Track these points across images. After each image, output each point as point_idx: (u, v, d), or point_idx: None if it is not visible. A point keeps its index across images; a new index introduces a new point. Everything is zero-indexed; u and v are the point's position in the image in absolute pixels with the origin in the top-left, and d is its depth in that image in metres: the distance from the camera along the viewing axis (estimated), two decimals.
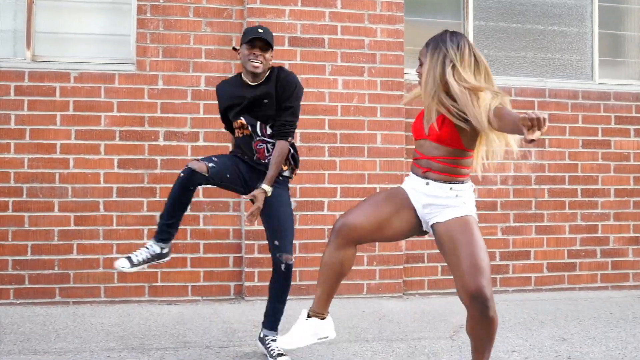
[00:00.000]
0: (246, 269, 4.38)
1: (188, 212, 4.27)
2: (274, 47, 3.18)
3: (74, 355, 3.13)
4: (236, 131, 3.13)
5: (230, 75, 4.45)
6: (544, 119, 1.91)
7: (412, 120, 4.60)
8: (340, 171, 4.53)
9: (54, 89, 4.28)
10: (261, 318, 3.16)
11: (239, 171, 3.04)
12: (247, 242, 4.37)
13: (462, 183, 2.43)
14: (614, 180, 5.07)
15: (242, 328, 3.67)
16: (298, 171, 4.36)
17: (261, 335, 3.13)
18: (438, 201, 2.41)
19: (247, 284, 4.38)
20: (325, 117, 4.52)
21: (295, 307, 3.06)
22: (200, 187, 3.34)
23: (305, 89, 4.46)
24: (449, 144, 2.40)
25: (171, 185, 4.25)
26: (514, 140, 2.42)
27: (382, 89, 4.60)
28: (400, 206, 2.48)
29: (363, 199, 2.73)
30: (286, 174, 3.11)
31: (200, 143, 4.41)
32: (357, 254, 4.50)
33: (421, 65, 2.51)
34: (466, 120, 2.33)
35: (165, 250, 2.96)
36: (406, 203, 2.49)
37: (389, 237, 2.57)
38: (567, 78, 5.14)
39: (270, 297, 3.07)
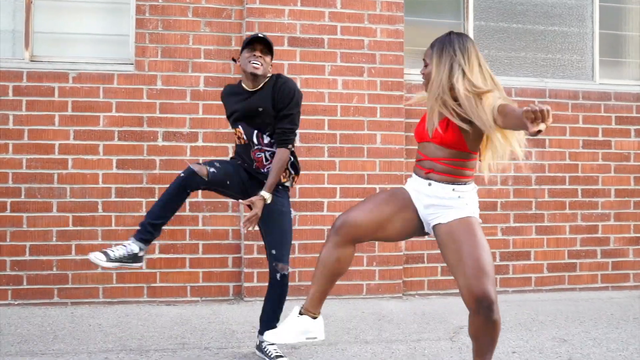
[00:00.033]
0: (245, 270, 4.37)
1: (187, 213, 4.31)
2: (274, 48, 3.16)
3: (71, 356, 3.11)
4: (236, 139, 3.13)
5: (229, 75, 4.48)
6: (548, 110, 1.90)
7: (412, 120, 4.64)
8: (340, 171, 4.51)
9: (52, 89, 4.27)
10: None
11: (240, 179, 3.02)
12: (246, 242, 4.36)
13: (464, 184, 2.42)
14: (614, 180, 5.06)
15: (241, 329, 3.65)
16: None
17: (258, 342, 3.13)
18: (440, 202, 2.39)
19: (246, 284, 4.36)
20: (324, 118, 4.50)
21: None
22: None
23: (304, 89, 4.47)
24: (452, 146, 2.38)
25: None
26: (518, 144, 2.39)
27: (381, 89, 4.59)
28: (402, 206, 2.47)
29: (363, 199, 2.71)
30: (287, 184, 3.09)
31: (200, 143, 4.40)
32: (356, 254, 4.49)
33: (426, 66, 2.50)
34: (469, 122, 2.32)
35: (141, 254, 2.86)
36: (408, 203, 2.47)
37: (389, 237, 2.56)
38: (567, 78, 5.13)
39: (265, 304, 3.07)
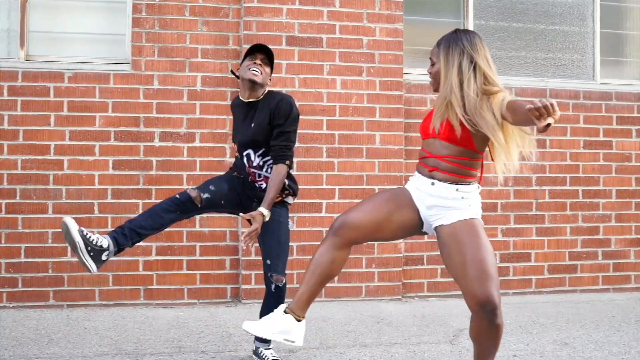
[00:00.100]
0: (243, 272, 4.32)
1: None
2: (274, 47, 3.12)
3: None
4: (236, 150, 3.13)
5: (227, 75, 4.44)
6: (552, 105, 1.86)
7: (411, 120, 4.59)
8: (339, 172, 4.47)
9: (48, 89, 4.22)
10: None
11: (236, 193, 2.99)
12: (244, 244, 4.31)
13: (468, 184, 2.37)
14: (615, 181, 5.02)
15: (239, 332, 3.60)
16: (297, 172, 4.32)
17: (254, 347, 3.09)
18: (443, 202, 2.35)
19: (244, 286, 4.32)
20: (323, 118, 4.46)
21: None
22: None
23: (303, 89, 4.44)
24: (460, 143, 2.33)
25: (167, 187, 4.27)
26: (516, 148, 2.35)
27: (381, 89, 4.54)
28: (402, 206, 2.42)
29: (361, 200, 2.67)
30: (289, 200, 3.06)
31: (197, 144, 4.35)
32: (355, 255, 4.45)
33: (433, 65, 2.45)
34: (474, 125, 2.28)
35: (104, 255, 2.66)
36: (408, 203, 2.42)
37: (387, 237, 2.51)
38: (568, 78, 5.09)
39: (262, 311, 3.02)
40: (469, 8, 4.89)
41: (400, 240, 4.49)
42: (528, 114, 1.93)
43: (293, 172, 3.22)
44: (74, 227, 2.62)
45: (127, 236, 2.73)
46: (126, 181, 4.27)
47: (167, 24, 4.35)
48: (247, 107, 3.00)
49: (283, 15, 4.41)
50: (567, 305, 4.49)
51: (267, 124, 2.90)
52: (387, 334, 3.65)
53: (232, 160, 4.23)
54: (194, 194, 2.86)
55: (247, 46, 4.26)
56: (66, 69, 4.25)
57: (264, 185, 2.97)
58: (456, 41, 2.37)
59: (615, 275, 4.99)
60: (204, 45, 4.39)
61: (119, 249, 2.72)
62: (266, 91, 3.00)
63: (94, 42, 4.43)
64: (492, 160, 2.43)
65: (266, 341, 3.02)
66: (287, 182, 2.97)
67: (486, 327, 2.23)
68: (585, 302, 4.61)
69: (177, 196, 2.87)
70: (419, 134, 2.61)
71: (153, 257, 4.27)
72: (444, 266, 4.55)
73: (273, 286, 2.91)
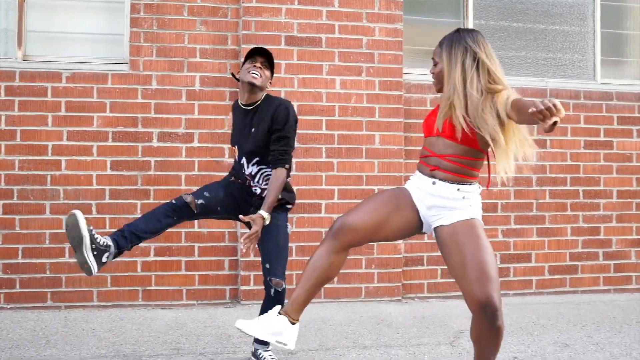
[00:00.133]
0: (242, 273, 4.30)
1: None
2: (274, 49, 3.10)
3: None
4: (234, 154, 3.11)
5: (225, 75, 4.41)
6: (554, 105, 1.85)
7: (411, 120, 4.57)
8: (338, 172, 4.44)
9: (45, 89, 4.20)
10: None
11: (233, 197, 2.99)
12: (243, 246, 4.28)
13: (469, 184, 2.35)
14: (616, 181, 5.00)
15: (237, 334, 3.58)
16: (296, 172, 4.30)
17: (253, 349, 3.07)
18: (444, 203, 2.33)
19: (242, 287, 4.30)
20: (322, 118, 4.44)
21: None
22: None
23: (302, 89, 4.42)
24: (463, 141, 2.31)
25: (165, 187, 4.25)
26: (515, 151, 2.33)
27: (380, 89, 4.52)
28: (401, 206, 2.40)
29: (361, 200, 2.64)
30: (289, 206, 3.05)
31: (195, 144, 4.33)
32: (355, 256, 4.43)
33: (435, 65, 2.43)
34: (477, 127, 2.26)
35: (104, 258, 2.65)
36: (408, 203, 2.40)
37: (387, 238, 2.48)
38: (568, 78, 5.06)
39: (261, 313, 2.99)
40: (469, 8, 4.87)
41: (400, 241, 4.46)
42: (532, 117, 1.91)
43: (293, 172, 3.21)
44: (83, 221, 2.61)
45: (127, 239, 2.75)
46: (124, 182, 4.24)
47: (166, 24, 4.33)
48: (246, 113, 2.98)
49: (282, 15, 4.39)
50: (568, 307, 4.47)
51: (266, 131, 2.89)
52: (387, 335, 3.62)
53: (231, 161, 4.21)
54: (188, 199, 2.88)
55: (246, 46, 4.25)
56: (64, 69, 4.23)
57: (258, 191, 2.98)
58: (459, 40, 2.35)
59: (616, 276, 4.97)
60: (203, 45, 4.37)
61: (118, 251, 2.72)
62: (265, 95, 2.98)
63: (91, 42, 4.41)
64: (494, 158, 2.41)
65: (265, 343, 2.99)
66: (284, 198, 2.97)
67: (486, 328, 2.21)
68: (586, 303, 4.59)
69: (174, 201, 2.89)
70: (419, 134, 2.59)
71: (151, 258, 4.24)
72: (444, 267, 4.53)
73: (272, 290, 2.89)
